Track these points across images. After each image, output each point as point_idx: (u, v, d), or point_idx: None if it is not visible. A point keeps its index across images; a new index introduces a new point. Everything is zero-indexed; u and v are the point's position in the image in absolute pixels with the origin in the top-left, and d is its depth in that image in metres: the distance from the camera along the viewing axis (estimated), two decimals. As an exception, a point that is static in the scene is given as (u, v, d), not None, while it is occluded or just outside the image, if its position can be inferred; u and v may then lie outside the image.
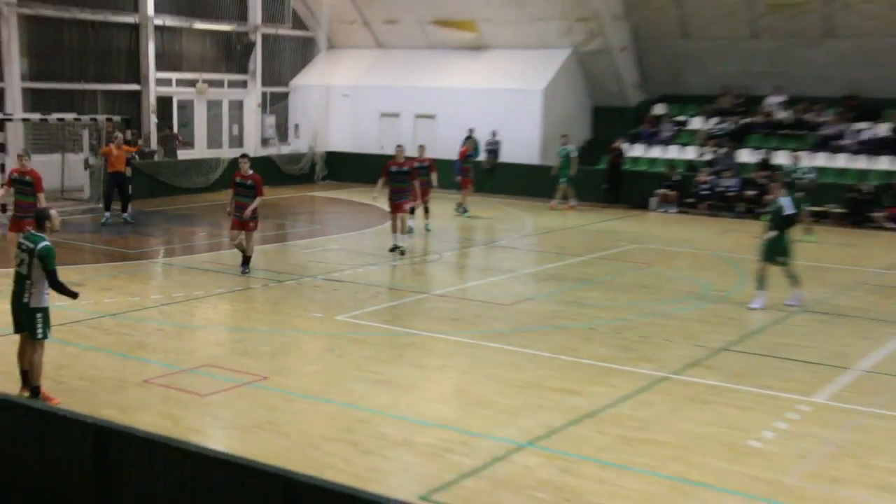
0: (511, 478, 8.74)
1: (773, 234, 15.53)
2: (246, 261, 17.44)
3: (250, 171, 17.36)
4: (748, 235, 23.22)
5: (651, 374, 11.94)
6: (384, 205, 20.75)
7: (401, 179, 19.74)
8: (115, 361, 12.03)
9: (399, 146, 20.51)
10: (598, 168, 29.91)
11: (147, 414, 10.14)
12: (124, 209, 23.80)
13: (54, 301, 14.44)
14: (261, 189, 17.25)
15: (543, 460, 9.16)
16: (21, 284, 10.25)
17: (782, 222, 15.53)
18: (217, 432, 9.93)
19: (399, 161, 19.92)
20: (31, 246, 10.15)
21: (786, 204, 15.60)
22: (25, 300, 10.22)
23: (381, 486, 8.34)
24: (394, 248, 19.58)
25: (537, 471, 8.91)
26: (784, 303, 15.56)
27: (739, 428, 10.08)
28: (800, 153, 25.25)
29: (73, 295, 10.47)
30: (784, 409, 10.70)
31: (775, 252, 15.58)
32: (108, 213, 23.45)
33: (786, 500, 8.38)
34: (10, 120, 25.43)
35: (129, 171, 23.87)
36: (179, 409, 10.44)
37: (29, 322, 10.30)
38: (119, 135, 24.14)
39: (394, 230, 19.76)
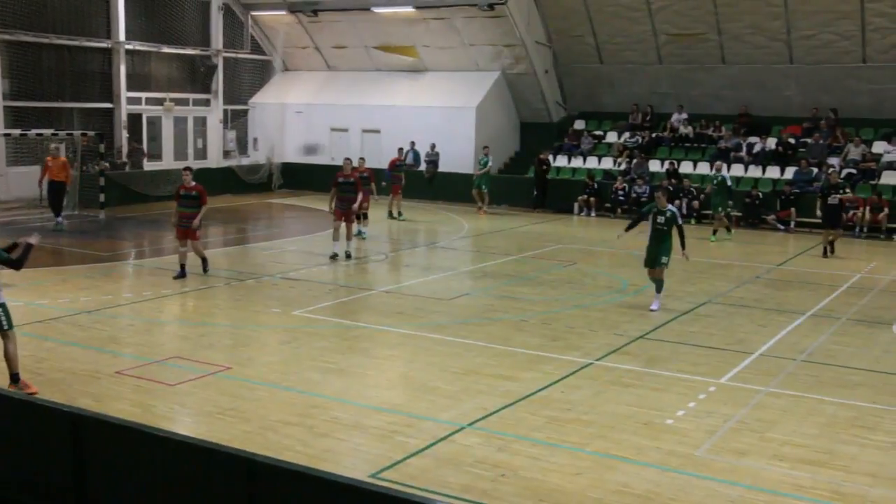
0: (453, 456, 8.63)
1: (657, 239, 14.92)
2: (204, 261, 16.96)
3: (193, 183, 16.63)
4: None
5: (577, 360, 11.91)
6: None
7: (348, 189, 19.10)
8: (90, 355, 11.70)
9: (347, 159, 19.93)
10: (527, 177, 30.01)
11: (120, 402, 9.86)
12: (57, 214, 23.08)
13: (34, 300, 14.10)
14: (204, 199, 16.62)
15: (481, 440, 9.06)
16: None
17: (673, 229, 14.91)
18: (185, 419, 9.68)
19: (346, 172, 19.29)
20: None
21: (678, 213, 15.34)
22: None
23: (336, 465, 8.18)
24: (334, 256, 18.87)
25: (476, 449, 8.80)
26: (651, 308, 14.82)
27: (655, 408, 10.07)
28: (720, 163, 25.41)
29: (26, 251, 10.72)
30: (694, 390, 10.73)
31: (663, 255, 14.92)
32: (59, 219, 22.86)
33: (697, 471, 8.38)
34: (-9, 134, 24.75)
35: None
36: (150, 397, 10.16)
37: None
38: (57, 145, 23.67)
39: (335, 238, 19.02)
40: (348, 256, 19.09)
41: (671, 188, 26.39)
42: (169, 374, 10.97)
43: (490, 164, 28.72)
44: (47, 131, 26.44)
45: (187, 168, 17.36)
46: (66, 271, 17.51)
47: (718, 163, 25.30)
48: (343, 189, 19.10)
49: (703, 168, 28.70)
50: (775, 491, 8.02)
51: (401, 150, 28.86)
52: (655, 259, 14.98)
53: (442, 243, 22.72)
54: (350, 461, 8.49)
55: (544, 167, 28.76)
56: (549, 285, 17.03)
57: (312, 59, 35.86)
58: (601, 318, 14.38)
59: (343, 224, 19.00)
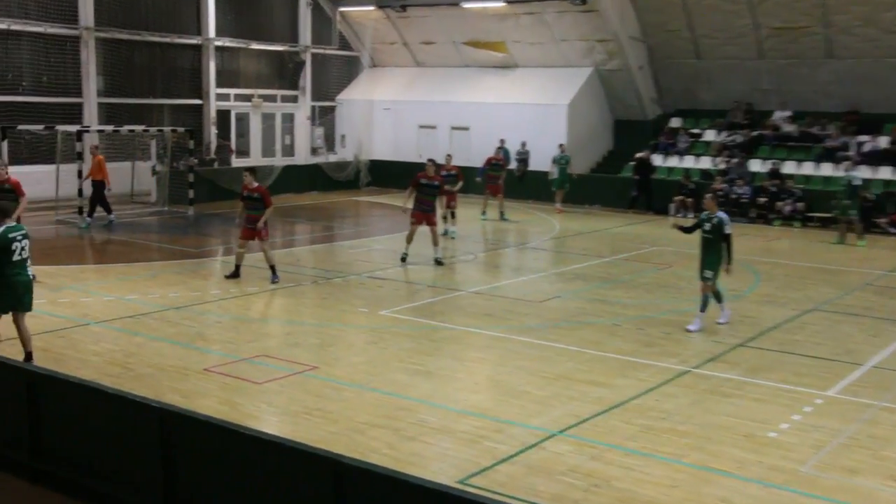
0: (543, 464, 8.52)
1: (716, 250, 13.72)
2: (273, 269, 16.48)
3: (255, 185, 16.42)
4: (760, 239, 22.92)
5: (673, 367, 11.66)
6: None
7: (430, 192, 18.67)
8: (178, 351, 11.94)
9: (430, 160, 19.29)
10: (620, 176, 29.66)
11: (207, 399, 10.02)
12: (90, 214, 23.11)
13: (124, 295, 14.48)
14: (268, 200, 16.33)
15: (573, 448, 8.93)
16: (26, 268, 10.72)
17: (722, 239, 13.73)
18: (271, 417, 9.78)
19: (429, 174, 18.78)
20: (25, 231, 10.81)
21: (726, 220, 13.82)
22: (31, 277, 10.84)
23: (423, 470, 8.14)
24: (404, 258, 18.58)
25: (567, 457, 8.68)
26: (717, 321, 13.82)
27: (757, 420, 9.78)
28: (849, 163, 24.56)
29: None
30: (799, 402, 10.38)
31: (706, 268, 13.72)
32: (89, 219, 22.91)
33: (802, 489, 8.10)
34: (87, 131, 25.53)
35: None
36: (237, 395, 10.31)
37: (30, 297, 10.84)
38: (97, 144, 24.07)
39: (409, 240, 18.65)
40: (439, 263, 18.56)
41: (773, 189, 25.75)
42: (256, 372, 11.12)
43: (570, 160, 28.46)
44: (139, 127, 27.19)
45: (249, 169, 17.34)
46: (155, 267, 17.93)
47: (847, 163, 24.47)
48: (426, 192, 18.57)
49: (808, 168, 27.92)
50: (889, 512, 7.71)
51: (499, 149, 28.42)
52: (699, 271, 13.84)
53: (532, 244, 22.57)
54: (437, 466, 8.46)
55: (647, 166, 28.16)
56: (644, 289, 16.74)
57: (400, 54, 36.07)
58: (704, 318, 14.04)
59: (427, 228, 18.62)
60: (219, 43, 31.33)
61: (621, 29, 30.00)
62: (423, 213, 18.54)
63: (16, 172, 23.74)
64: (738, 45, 29.58)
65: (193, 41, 30.77)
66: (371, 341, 12.84)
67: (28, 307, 10.87)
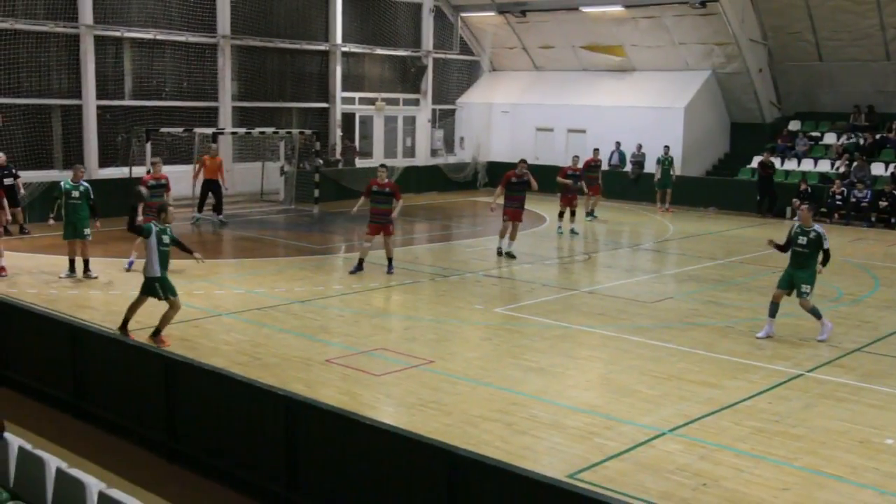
0: (652, 461, 8.44)
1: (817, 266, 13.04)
2: (389, 262, 17.14)
3: (387, 180, 16.91)
4: (880, 244, 22.04)
5: (786, 370, 11.36)
6: (542, 209, 20.51)
7: (519, 189, 18.95)
8: (303, 342, 12.27)
9: (521, 160, 19.54)
10: (736, 179, 28.98)
11: (328, 389, 10.28)
12: (219, 212, 23.42)
13: (253, 288, 14.96)
14: (398, 194, 16.77)
15: (683, 447, 8.81)
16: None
17: (819, 253, 12.98)
18: (388, 408, 9.97)
19: (518, 173, 18.93)
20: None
21: (824, 235, 12.95)
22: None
23: (534, 463, 8.18)
24: (500, 251, 19.14)
25: (677, 456, 8.58)
26: (817, 338, 12.92)
27: (873, 425, 9.46)
28: None
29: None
30: (917, 409, 9.99)
31: (804, 283, 12.93)
32: (198, 215, 23.27)
33: (919, 497, 7.80)
34: (222, 133, 26.46)
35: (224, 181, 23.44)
36: (356, 386, 10.54)
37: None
38: (214, 146, 24.45)
39: (502, 235, 19.21)
40: (511, 257, 18.92)
41: (895, 193, 24.71)
42: (375, 364, 11.34)
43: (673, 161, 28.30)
44: (269, 130, 28.00)
45: (384, 165, 17.91)
46: (281, 262, 18.45)
47: None
48: (514, 189, 18.86)
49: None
50: None
51: (596, 150, 28.28)
52: (796, 287, 12.95)
53: (646, 245, 22.27)
54: (548, 460, 8.48)
55: (768, 170, 27.42)
56: (757, 291, 16.31)
57: (519, 59, 36.06)
58: (813, 327, 13.56)
59: (511, 224, 18.99)
60: (345, 49, 31.94)
61: (741, 32, 29.26)
62: (513, 210, 18.86)
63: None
64: (862, 46, 28.48)
65: (321, 47, 31.46)
66: (486, 337, 12.92)
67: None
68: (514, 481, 6.09)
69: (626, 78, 32.71)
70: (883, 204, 25.11)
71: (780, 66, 30.87)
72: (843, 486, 7.99)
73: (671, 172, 28.09)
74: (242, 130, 27.65)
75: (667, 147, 28.42)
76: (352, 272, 16.99)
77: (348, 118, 32.69)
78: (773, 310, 13.04)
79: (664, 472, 8.19)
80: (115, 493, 5.38)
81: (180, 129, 25.94)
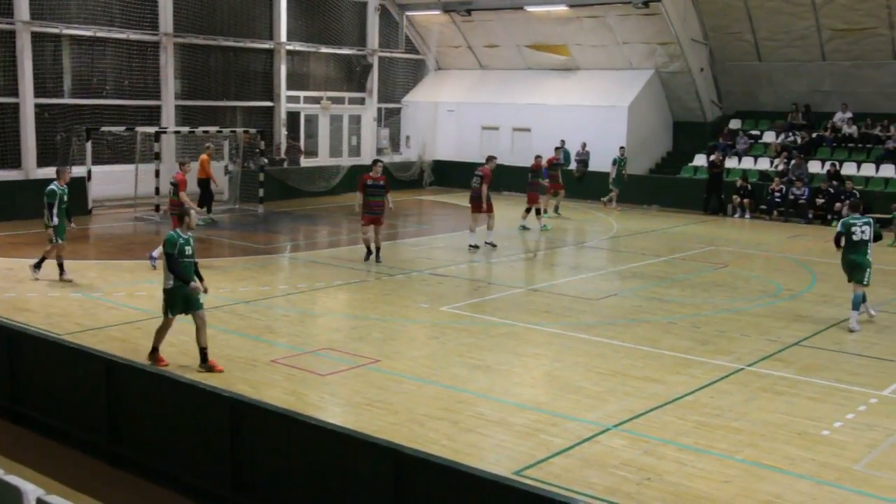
0: (597, 457, 8.53)
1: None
2: (377, 251, 18.18)
3: (380, 174, 18.11)
4: (817, 240, 22.51)
5: (727, 365, 11.55)
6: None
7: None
8: (248, 343, 12.17)
9: (492, 157, 21.26)
10: (679, 177, 29.41)
11: (274, 390, 10.20)
12: (209, 210, 23.70)
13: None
14: (387, 187, 18.12)
15: (627, 442, 8.91)
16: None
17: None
18: (334, 408, 9.93)
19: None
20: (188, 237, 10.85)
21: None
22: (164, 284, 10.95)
23: (480, 460, 8.20)
24: (474, 246, 20.10)
25: (621, 451, 8.67)
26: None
27: (811, 418, 9.66)
28: None
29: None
30: (853, 401, 10.22)
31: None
32: (211, 216, 23.60)
33: (856, 487, 7.98)
34: (164, 132, 26.12)
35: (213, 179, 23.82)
36: (302, 386, 10.48)
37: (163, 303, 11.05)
38: (210, 144, 24.54)
39: (473, 230, 20.35)
40: (475, 248, 20.13)
41: (831, 190, 25.26)
42: (321, 364, 11.29)
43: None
44: (213, 129, 27.70)
45: (379, 161, 19.08)
46: (226, 262, 18.26)
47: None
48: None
49: (868, 170, 27.32)
50: (942, 512, 7.56)
51: (558, 149, 28.46)
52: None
53: (591, 243, 22.48)
54: (494, 457, 8.51)
55: (717, 169, 27.77)
56: (700, 288, 16.58)
57: (465, 57, 36.15)
58: (753, 322, 13.88)
59: (480, 215, 20.27)
60: (290, 47, 31.73)
61: (683, 32, 29.67)
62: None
63: (98, 172, 24.57)
64: (799, 47, 29.11)
65: (266, 45, 31.20)
66: (432, 336, 12.94)
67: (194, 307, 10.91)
68: (460, 479, 6.11)
69: (570, 77, 32.98)
70: (820, 201, 25.66)
71: (720, 66, 31.40)
72: (782, 477, 8.15)
73: (623, 172, 28.38)
74: (186, 129, 27.31)
75: (622, 148, 28.71)
76: (366, 259, 18.12)
77: (293, 117, 32.49)
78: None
79: (609, 468, 8.28)
80: (55, 500, 5.27)
81: (122, 128, 25.55)
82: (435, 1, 33.93)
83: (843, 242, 13.59)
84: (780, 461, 8.50)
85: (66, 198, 15.78)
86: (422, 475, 6.29)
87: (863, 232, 13.49)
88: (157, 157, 24.63)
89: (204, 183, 23.49)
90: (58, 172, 16.13)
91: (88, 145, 24.23)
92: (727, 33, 30.14)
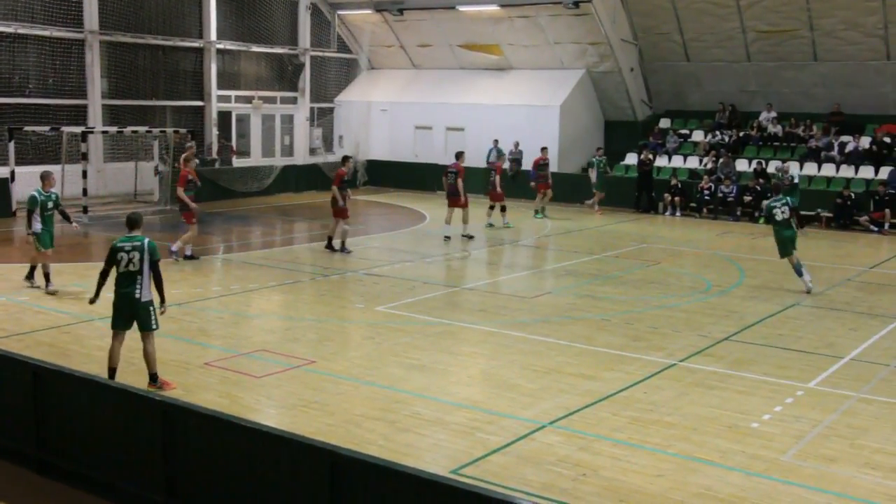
0: (533, 454, 8.60)
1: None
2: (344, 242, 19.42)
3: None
4: (745, 237, 23.02)
5: (660, 361, 11.74)
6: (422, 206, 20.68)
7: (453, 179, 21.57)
8: (180, 346, 11.99)
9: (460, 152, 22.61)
10: (612, 175, 29.77)
11: (208, 393, 10.08)
12: None
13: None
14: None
15: (563, 439, 9.00)
16: (132, 282, 9.94)
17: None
18: (270, 410, 9.84)
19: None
20: (139, 244, 9.94)
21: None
22: (137, 296, 9.96)
23: (417, 460, 8.21)
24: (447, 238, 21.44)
25: (557, 448, 8.76)
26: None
27: (740, 411, 9.87)
28: (787, 164, 25.12)
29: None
30: (781, 394, 10.48)
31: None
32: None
33: (783, 477, 8.19)
34: (91, 132, 25.57)
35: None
36: (236, 389, 10.37)
37: (145, 315, 10.06)
38: (192, 143, 24.24)
39: (448, 222, 21.71)
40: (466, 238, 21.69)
41: (758, 188, 25.85)
42: (255, 366, 11.18)
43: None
44: (142, 128, 27.22)
45: (347, 157, 20.66)
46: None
47: (786, 165, 24.83)
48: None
49: (793, 168, 27.96)
50: (867, 500, 7.79)
51: (544, 149, 28.28)
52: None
53: (525, 241, 22.63)
54: (431, 457, 8.53)
55: (647, 167, 28.10)
56: (632, 285, 16.82)
57: (397, 57, 36.10)
58: (685, 318, 14.14)
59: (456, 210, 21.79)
60: (220, 46, 31.33)
61: (613, 32, 30.05)
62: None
63: (22, 173, 23.95)
64: (725, 47, 29.72)
65: (195, 44, 30.77)
66: (368, 336, 12.90)
67: (144, 326, 10.09)
68: (396, 479, 6.10)
69: (503, 76, 33.17)
70: (747, 198, 26.21)
71: (650, 66, 31.88)
72: (714, 470, 8.32)
73: (603, 174, 28.00)
74: (114, 129, 26.79)
75: (599, 149, 28.70)
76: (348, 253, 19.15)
77: (225, 116, 32.09)
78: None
79: (545, 464, 8.35)
80: (-20, 510, 5.13)
81: (46, 128, 24.95)
82: (367, 0, 33.83)
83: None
84: (712, 454, 8.68)
85: (51, 204, 14.95)
86: (359, 476, 6.27)
87: (783, 212, 15.69)
88: (85, 157, 24.11)
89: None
90: (42, 177, 15.38)
91: (11, 145, 23.61)
92: (656, 34, 30.62)
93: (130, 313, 10.02)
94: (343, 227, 19.55)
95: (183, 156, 19.55)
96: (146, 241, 10.03)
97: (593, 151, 31.81)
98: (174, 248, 17.80)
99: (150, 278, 10.08)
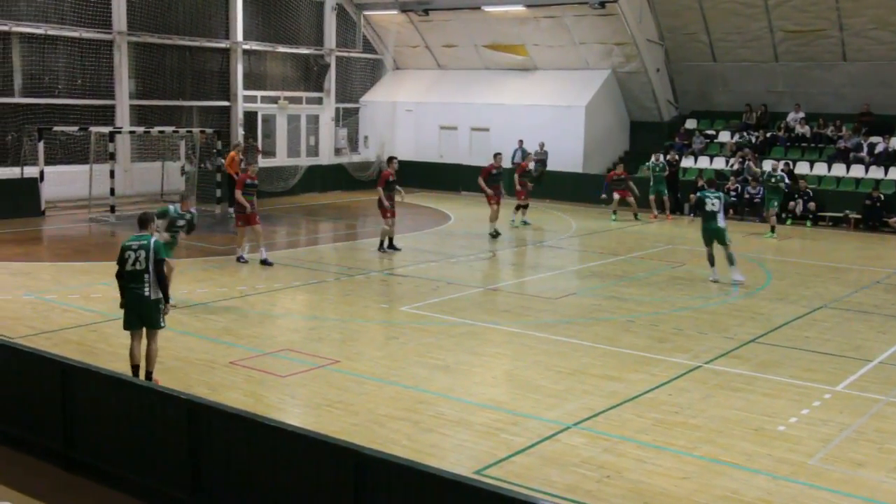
0: (557, 455, 8.57)
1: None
2: (391, 239, 19.57)
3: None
4: (773, 238, 22.81)
5: (685, 363, 11.68)
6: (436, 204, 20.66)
7: (498, 179, 22.09)
8: (206, 345, 12.06)
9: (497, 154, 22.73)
10: (637, 176, 29.60)
11: (233, 392, 10.13)
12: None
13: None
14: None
15: (587, 440, 8.98)
16: (139, 281, 9.97)
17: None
18: (294, 409, 9.88)
19: (497, 164, 22.04)
20: (145, 243, 10.00)
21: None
22: (147, 293, 9.95)
23: (440, 460, 8.21)
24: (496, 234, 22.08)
25: (581, 449, 8.73)
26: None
27: (766, 414, 9.80)
28: (776, 163, 25.08)
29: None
30: (808, 397, 10.39)
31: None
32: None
33: (810, 481, 8.11)
34: (119, 132, 25.79)
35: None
36: (261, 388, 10.41)
37: (153, 313, 10.06)
38: (240, 141, 24.51)
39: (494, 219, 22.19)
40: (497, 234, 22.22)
41: (785, 189, 25.63)
42: (280, 365, 11.23)
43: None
44: (168, 129, 27.41)
45: (394, 157, 20.53)
46: (183, 263, 18.03)
47: (775, 163, 24.82)
48: (494, 180, 22.20)
49: (821, 169, 27.78)
50: (894, 504, 7.71)
51: (517, 150, 28.22)
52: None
53: (549, 242, 22.58)
54: (454, 457, 8.52)
55: (674, 168, 27.82)
56: (658, 286, 16.74)
57: (423, 57, 36.14)
58: (710, 320, 14.06)
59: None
60: (246, 46, 31.49)
61: (639, 32, 29.93)
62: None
63: (51, 172, 24.22)
64: (753, 48, 29.49)
65: (222, 45, 30.95)
66: (392, 336, 12.92)
67: (152, 324, 10.09)
68: (420, 479, 6.10)
69: (528, 77, 33.12)
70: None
71: (676, 66, 31.71)
72: (740, 473, 8.26)
73: (662, 177, 27.07)
74: (141, 129, 26.99)
75: (660, 154, 27.41)
76: (391, 249, 19.35)
77: (250, 117, 32.25)
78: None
79: (569, 466, 8.33)
80: (9, 506, 5.19)
81: (75, 128, 25.18)
82: (392, 0, 33.89)
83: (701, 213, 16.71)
84: (737, 457, 8.62)
85: (180, 223, 14.07)
86: (383, 476, 6.28)
87: (713, 204, 16.35)
88: (112, 157, 24.32)
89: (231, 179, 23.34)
90: (182, 197, 15.37)
91: (41, 145, 23.86)
92: (682, 34, 30.46)
93: (139, 312, 10.05)
94: (383, 227, 19.76)
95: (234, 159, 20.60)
96: (152, 240, 10.08)
97: (618, 152, 31.54)
98: (244, 255, 18.09)
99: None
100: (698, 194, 17.32)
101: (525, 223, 24.38)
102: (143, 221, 10.29)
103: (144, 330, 10.15)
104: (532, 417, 9.60)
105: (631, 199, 26.24)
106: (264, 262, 17.60)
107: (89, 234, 21.89)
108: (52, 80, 26.50)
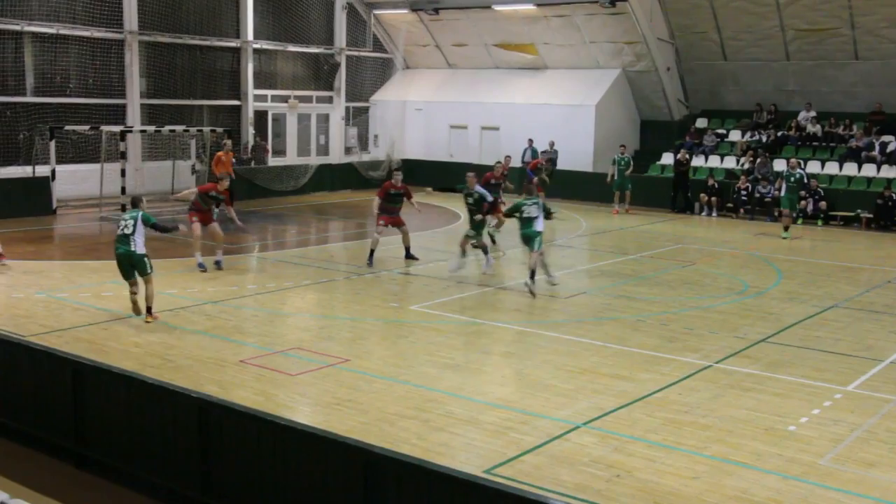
0: (567, 455, 8.56)
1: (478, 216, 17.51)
2: (408, 250, 18.53)
3: (401, 183, 18.37)
4: (784, 238, 22.72)
5: (695, 362, 11.65)
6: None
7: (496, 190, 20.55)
8: (216, 343, 12.09)
9: (498, 162, 21.60)
10: (646, 175, 29.60)
11: (243, 390, 10.15)
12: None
13: (164, 289, 14.63)
14: (410, 195, 18.49)
15: (597, 439, 8.96)
16: (126, 242, 12.74)
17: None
18: (304, 408, 9.89)
19: (496, 174, 20.55)
20: (135, 215, 12.91)
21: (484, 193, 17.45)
22: (133, 249, 12.72)
23: (450, 459, 8.21)
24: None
25: (591, 449, 8.72)
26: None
27: (777, 413, 9.76)
28: (795, 161, 24.80)
29: (173, 228, 14.28)
30: (819, 396, 10.35)
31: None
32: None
33: (821, 481, 8.08)
34: (130, 131, 25.87)
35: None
36: (271, 386, 10.43)
37: (141, 264, 12.80)
38: (227, 142, 24.37)
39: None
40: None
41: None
42: (290, 364, 11.24)
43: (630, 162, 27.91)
44: (179, 127, 27.49)
45: (399, 168, 19.40)
46: (193, 262, 18.08)
47: (794, 161, 24.57)
48: (493, 191, 19.91)
49: (832, 168, 27.68)
50: (905, 505, 7.68)
51: (527, 149, 28.12)
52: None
53: (559, 241, 22.54)
54: (464, 456, 8.52)
55: (684, 167, 27.86)
56: (668, 285, 16.70)
57: (433, 56, 36.15)
58: (721, 319, 14.02)
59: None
60: (257, 45, 31.57)
61: (649, 31, 29.89)
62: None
63: (62, 171, 24.31)
64: (764, 46, 29.41)
65: (232, 44, 31.03)
66: (401, 335, 12.93)
67: (143, 271, 12.91)
68: (430, 478, 6.11)
69: (538, 76, 33.10)
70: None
71: (687, 65, 31.65)
72: (750, 473, 8.24)
73: (626, 173, 27.53)
74: (152, 128, 27.07)
75: (623, 146, 28.37)
76: (370, 263, 17.85)
77: (261, 116, 32.32)
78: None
79: (579, 465, 8.32)
80: None
81: (86, 127, 25.28)
82: (402, 0, 33.92)
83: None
84: (748, 457, 8.59)
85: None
86: (392, 475, 6.29)
87: (530, 211, 15.99)
88: (123, 156, 24.40)
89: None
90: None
91: (52, 144, 23.96)
92: (693, 33, 30.40)
93: (130, 265, 12.83)
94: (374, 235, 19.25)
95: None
96: (140, 213, 12.94)
97: (629, 151, 31.55)
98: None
99: (144, 236, 12.85)
100: (515, 202, 16.88)
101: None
102: (135, 201, 13.40)
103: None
104: (542, 417, 9.59)
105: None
106: (201, 266, 16.82)
107: (100, 232, 21.96)
108: (63, 79, 26.60)
